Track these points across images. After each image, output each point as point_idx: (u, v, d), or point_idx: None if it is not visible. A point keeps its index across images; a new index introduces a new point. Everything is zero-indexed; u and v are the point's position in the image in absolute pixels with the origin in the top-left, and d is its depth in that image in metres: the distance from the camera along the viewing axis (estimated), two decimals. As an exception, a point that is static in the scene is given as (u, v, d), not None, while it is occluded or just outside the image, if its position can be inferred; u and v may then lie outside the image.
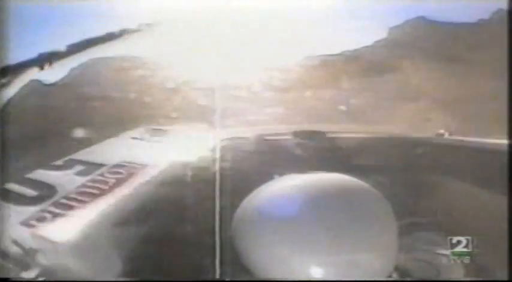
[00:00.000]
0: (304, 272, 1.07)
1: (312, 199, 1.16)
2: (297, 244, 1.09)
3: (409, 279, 1.12)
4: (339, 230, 1.09)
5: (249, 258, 1.15)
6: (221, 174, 1.43)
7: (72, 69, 6.28)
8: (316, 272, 1.07)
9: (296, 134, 1.97)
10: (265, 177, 1.68)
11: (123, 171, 1.55)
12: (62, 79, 6.01)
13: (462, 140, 1.80)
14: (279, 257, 1.09)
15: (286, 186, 1.24)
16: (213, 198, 1.37)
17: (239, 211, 1.26)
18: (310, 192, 1.18)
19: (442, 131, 1.91)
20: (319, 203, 1.15)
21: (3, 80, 1.56)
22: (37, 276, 1.12)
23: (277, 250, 1.09)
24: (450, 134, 1.89)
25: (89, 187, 1.45)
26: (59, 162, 1.68)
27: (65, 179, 1.52)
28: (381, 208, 1.21)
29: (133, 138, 2.05)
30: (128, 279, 1.34)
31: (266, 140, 1.91)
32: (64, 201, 1.38)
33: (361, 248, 1.10)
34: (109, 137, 2.14)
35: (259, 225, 1.15)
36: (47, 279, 1.13)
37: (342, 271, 1.08)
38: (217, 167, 1.47)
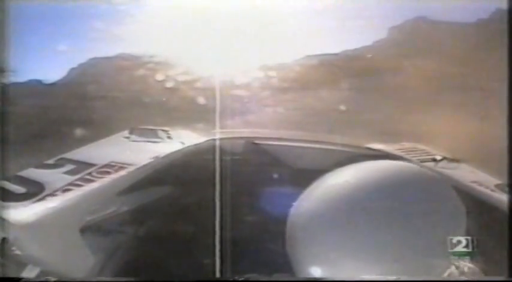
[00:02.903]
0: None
1: (376, 194, 1.03)
2: (363, 248, 0.98)
3: (407, 279, 1.09)
4: (409, 234, 0.98)
5: (307, 260, 1.05)
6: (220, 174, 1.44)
7: (72, 69, 6.31)
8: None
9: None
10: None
11: (112, 171, 1.56)
12: (62, 79, 6.04)
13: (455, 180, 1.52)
14: (342, 259, 0.99)
15: (344, 183, 1.09)
16: (213, 198, 1.38)
17: (296, 211, 1.14)
18: (373, 187, 1.05)
19: (438, 157, 1.67)
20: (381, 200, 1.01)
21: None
22: (37, 276, 1.13)
23: (340, 252, 0.99)
24: (450, 161, 1.65)
25: (76, 185, 1.47)
26: (51, 161, 1.70)
27: (54, 178, 1.54)
28: (454, 206, 1.07)
29: (126, 137, 2.06)
30: (128, 280, 1.35)
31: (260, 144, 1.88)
32: (49, 198, 1.40)
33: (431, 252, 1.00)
34: (107, 136, 2.15)
35: (320, 227, 1.04)
36: (48, 279, 1.13)
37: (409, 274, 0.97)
38: (217, 166, 1.47)
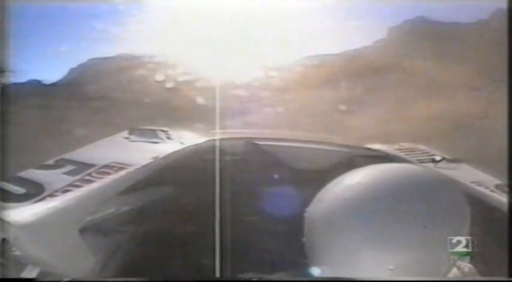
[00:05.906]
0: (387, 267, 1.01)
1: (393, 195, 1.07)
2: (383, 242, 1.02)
3: (407, 279, 1.10)
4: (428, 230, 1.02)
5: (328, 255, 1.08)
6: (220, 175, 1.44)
7: (72, 69, 6.32)
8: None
9: None
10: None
11: (112, 172, 1.56)
12: (62, 79, 6.04)
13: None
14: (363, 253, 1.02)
15: (359, 183, 1.12)
16: (213, 199, 1.38)
17: (315, 207, 1.15)
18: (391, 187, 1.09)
19: (438, 158, 1.66)
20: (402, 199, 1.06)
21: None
22: (37, 276, 1.13)
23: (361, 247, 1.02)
24: (449, 162, 1.64)
25: (75, 186, 1.47)
26: (51, 162, 1.70)
27: (53, 178, 1.53)
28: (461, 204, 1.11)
29: (125, 138, 2.06)
30: (128, 280, 1.35)
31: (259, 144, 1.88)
32: (49, 199, 1.40)
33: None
34: (107, 136, 2.15)
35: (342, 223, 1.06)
36: (48, 279, 1.13)
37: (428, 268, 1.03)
38: (216, 167, 1.47)
